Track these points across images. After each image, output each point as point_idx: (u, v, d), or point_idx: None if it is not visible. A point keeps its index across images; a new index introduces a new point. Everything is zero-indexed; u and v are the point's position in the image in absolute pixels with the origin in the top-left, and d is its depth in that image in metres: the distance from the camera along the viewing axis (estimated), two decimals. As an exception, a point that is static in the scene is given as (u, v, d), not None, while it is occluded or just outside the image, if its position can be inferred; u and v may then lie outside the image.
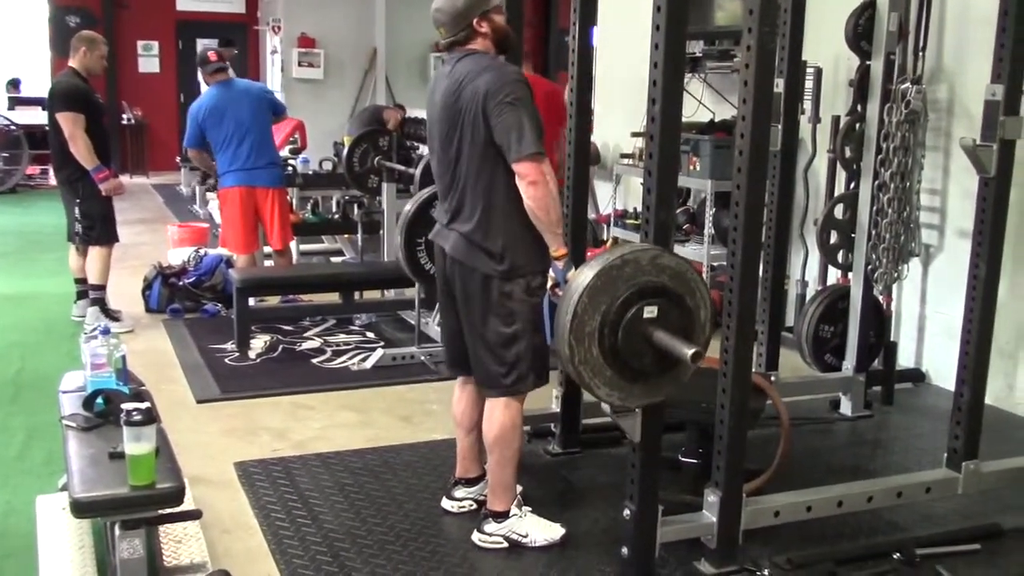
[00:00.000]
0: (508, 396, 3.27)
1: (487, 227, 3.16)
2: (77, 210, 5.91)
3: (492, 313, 3.20)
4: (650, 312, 2.75)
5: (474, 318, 3.25)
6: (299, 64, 13.28)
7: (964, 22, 4.99)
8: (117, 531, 2.74)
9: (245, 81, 6.59)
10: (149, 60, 14.74)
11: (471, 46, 3.19)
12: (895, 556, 3.29)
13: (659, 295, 2.77)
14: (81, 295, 6.19)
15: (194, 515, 3.17)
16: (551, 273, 3.17)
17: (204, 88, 6.55)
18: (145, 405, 2.85)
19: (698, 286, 2.84)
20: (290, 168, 7.80)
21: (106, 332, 3.44)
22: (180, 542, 3.19)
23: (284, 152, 8.32)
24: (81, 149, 5.70)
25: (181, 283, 6.55)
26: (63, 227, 6.20)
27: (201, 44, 14.76)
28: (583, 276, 2.74)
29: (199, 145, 6.20)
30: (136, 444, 2.72)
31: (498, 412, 3.28)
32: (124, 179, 6.29)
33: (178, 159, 12.89)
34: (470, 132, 3.11)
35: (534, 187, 3.04)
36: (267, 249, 6.52)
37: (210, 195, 9.74)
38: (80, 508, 2.73)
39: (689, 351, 2.68)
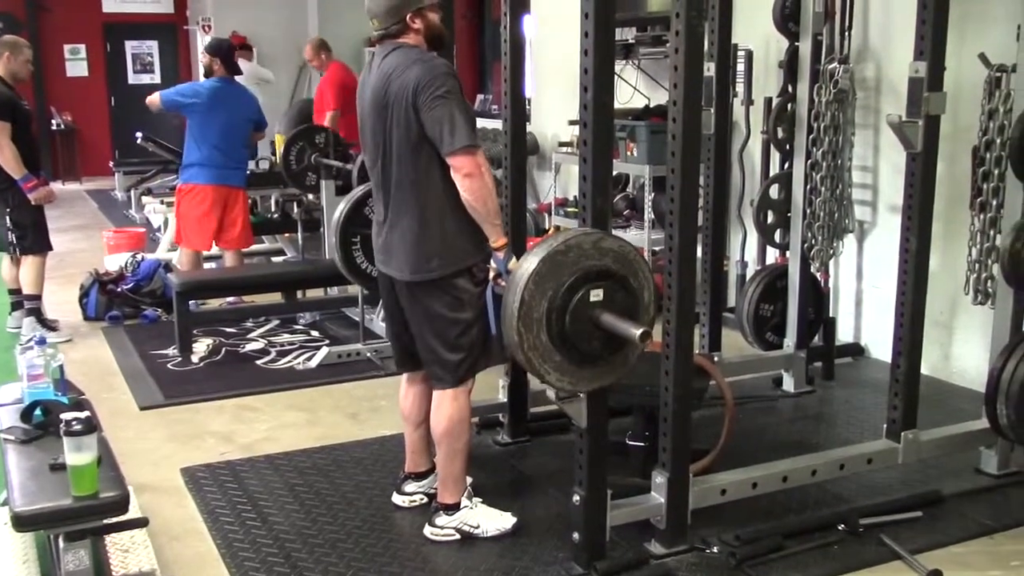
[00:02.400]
0: (458, 387, 3.27)
1: (425, 222, 3.15)
2: (8, 219, 5.77)
3: (443, 308, 3.19)
4: (596, 295, 2.77)
5: (424, 316, 3.23)
6: (232, 63, 13.10)
7: (888, 1, 5.08)
8: (62, 543, 2.70)
9: (242, 86, 6.56)
10: (77, 64, 14.42)
11: (402, 40, 3.18)
12: (840, 527, 3.36)
13: (603, 278, 2.79)
14: (16, 306, 6.06)
15: (140, 523, 3.13)
16: (492, 264, 3.18)
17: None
18: (85, 414, 2.80)
19: (641, 267, 2.87)
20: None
21: (42, 342, 3.38)
22: (128, 551, 3.15)
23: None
24: (8, 159, 5.57)
25: (119, 289, 6.44)
26: None
27: (130, 46, 14.52)
28: (528, 263, 2.75)
29: (175, 109, 6.22)
30: (77, 454, 2.67)
31: (446, 405, 3.29)
32: (56, 186, 6.15)
33: (111, 163, 12.67)
34: (402, 127, 3.10)
35: (470, 179, 3.04)
36: (215, 250, 6.48)
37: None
38: (22, 522, 2.67)
39: (637, 331, 2.71)
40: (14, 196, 5.69)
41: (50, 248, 6.09)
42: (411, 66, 3.08)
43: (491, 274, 3.21)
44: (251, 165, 8.22)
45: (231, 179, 6.25)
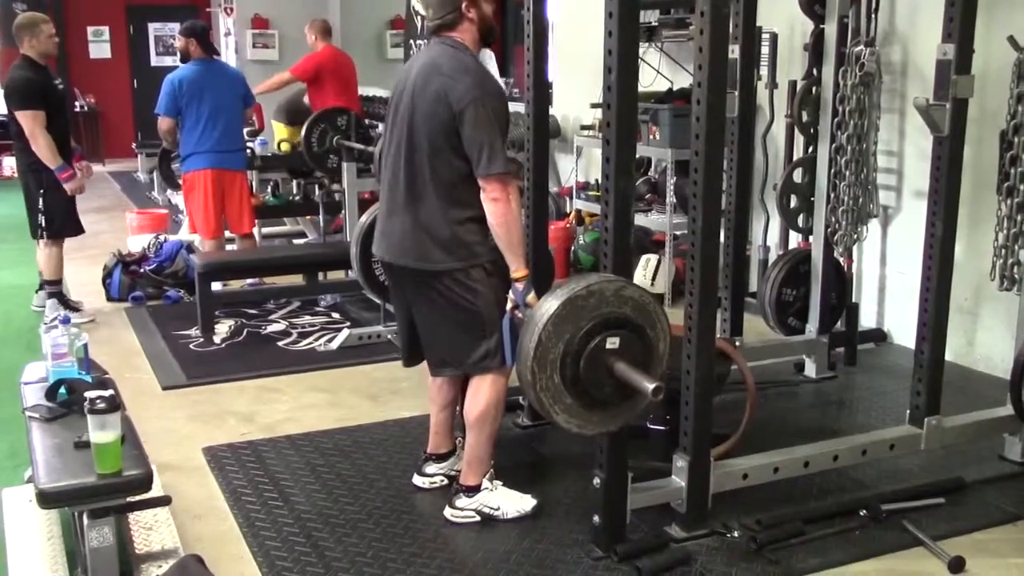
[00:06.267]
0: (496, 372, 3.26)
1: (444, 213, 3.13)
2: (41, 202, 5.75)
3: (455, 297, 3.17)
4: (612, 343, 2.77)
5: (437, 305, 3.22)
6: (254, 46, 13.10)
7: (915, -17, 5.03)
8: (86, 520, 2.72)
9: (225, 64, 6.52)
10: (100, 46, 14.49)
11: (456, 34, 3.15)
12: (862, 513, 3.34)
13: (621, 326, 2.79)
14: (43, 285, 6.09)
15: (163, 501, 3.16)
16: (511, 295, 3.17)
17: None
18: (109, 393, 2.83)
19: (659, 318, 2.86)
20: (249, 150, 7.73)
21: (66, 321, 3.40)
22: (151, 529, 3.17)
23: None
24: (42, 148, 5.55)
25: (142, 270, 6.49)
26: (23, 217, 6.04)
27: (153, 28, 14.55)
28: (548, 304, 2.74)
29: (176, 114, 6.09)
30: (101, 432, 2.69)
31: (485, 389, 3.28)
32: (84, 163, 6.16)
33: (134, 145, 12.73)
34: (436, 125, 3.08)
35: (496, 204, 3.05)
36: (227, 234, 6.47)
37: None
38: (47, 499, 2.70)
39: (650, 386, 2.70)
40: (48, 178, 5.68)
41: (82, 231, 6.10)
42: (465, 74, 3.07)
43: (509, 305, 3.20)
44: (257, 149, 8.26)
45: (228, 162, 6.19)
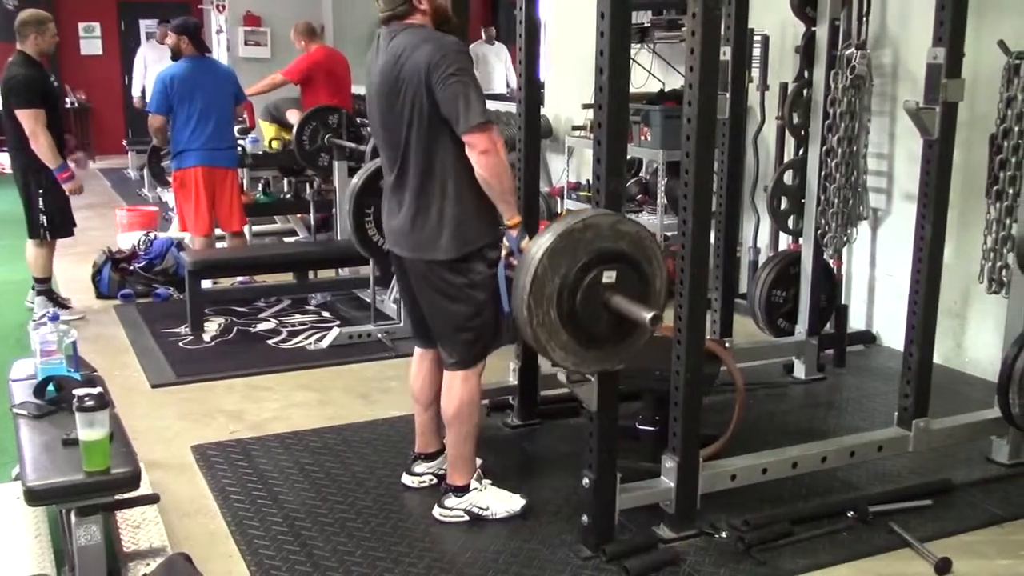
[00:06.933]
0: (469, 369, 3.27)
1: (438, 204, 3.13)
2: (41, 202, 5.70)
3: (455, 289, 3.18)
4: (609, 277, 2.75)
5: (435, 297, 3.23)
6: (245, 43, 13.07)
7: (907, -13, 5.04)
8: (73, 518, 2.71)
9: (217, 61, 6.51)
10: (91, 42, 14.43)
11: (409, 21, 3.15)
12: (849, 514, 3.35)
13: (618, 260, 2.77)
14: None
15: (151, 499, 3.15)
16: (505, 242, 3.18)
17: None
18: (97, 390, 2.82)
19: (655, 253, 2.85)
20: (240, 148, 7.71)
21: (55, 318, 3.40)
22: (139, 527, 3.16)
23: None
24: (43, 147, 5.49)
25: (132, 268, 6.47)
26: (14, 214, 5.97)
27: (144, 24, 14.49)
28: (544, 238, 2.72)
29: (167, 111, 6.05)
30: (89, 430, 2.68)
31: (457, 387, 3.29)
32: (80, 154, 6.15)
33: (125, 142, 12.68)
34: (415, 107, 3.07)
35: (485, 156, 3.03)
36: (218, 231, 6.45)
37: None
38: (34, 496, 2.69)
39: (648, 314, 2.69)
40: (46, 178, 5.64)
41: (71, 233, 6.05)
42: (422, 45, 3.05)
43: (503, 252, 3.20)
44: (248, 146, 8.25)
45: (220, 160, 6.16)
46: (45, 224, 5.76)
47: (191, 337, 5.47)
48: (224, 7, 12.80)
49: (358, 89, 9.36)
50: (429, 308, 3.29)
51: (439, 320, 3.27)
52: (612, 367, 2.93)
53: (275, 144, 7.89)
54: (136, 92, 12.18)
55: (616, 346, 2.87)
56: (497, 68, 11.25)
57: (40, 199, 5.69)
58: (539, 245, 2.72)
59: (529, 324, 2.74)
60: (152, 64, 11.37)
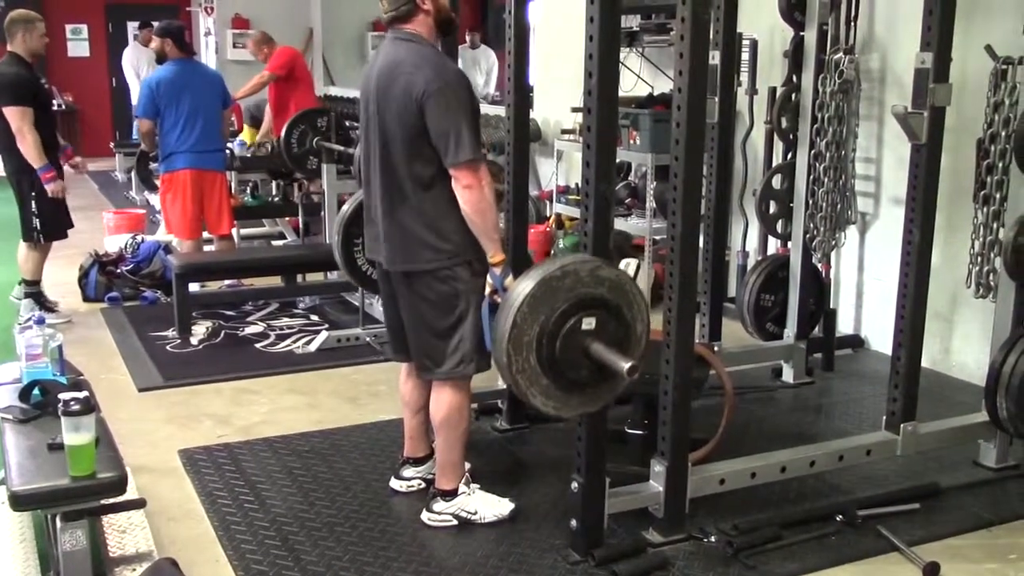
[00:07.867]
0: (453, 379, 3.26)
1: (423, 214, 3.11)
2: (33, 204, 5.66)
3: (438, 297, 3.17)
4: (588, 324, 2.75)
5: (418, 306, 3.21)
6: (234, 46, 13.03)
7: (894, -8, 5.06)
8: (59, 523, 2.70)
9: (203, 64, 6.50)
10: (78, 44, 14.39)
11: (412, 26, 3.13)
12: (838, 518, 3.36)
13: (598, 307, 2.77)
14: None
15: (138, 504, 3.14)
16: (488, 279, 3.17)
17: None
18: (83, 394, 2.80)
19: (636, 298, 2.85)
20: (228, 151, 7.70)
21: (41, 322, 3.38)
22: (125, 532, 3.15)
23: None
24: (29, 147, 5.46)
25: (119, 271, 6.44)
26: (8, 216, 5.89)
27: (132, 26, 14.45)
28: (523, 285, 2.72)
29: (155, 115, 6.02)
30: (75, 434, 2.67)
31: (446, 393, 3.27)
32: (78, 159, 6.12)
33: (112, 145, 12.63)
34: (404, 124, 3.06)
35: (468, 191, 3.02)
36: (205, 235, 6.43)
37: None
38: (19, 501, 2.68)
39: (625, 365, 2.69)
40: (38, 181, 5.59)
41: (67, 234, 6.00)
42: (423, 66, 3.03)
43: (487, 289, 3.19)
44: (236, 149, 8.24)
45: (208, 163, 6.14)
46: (38, 227, 5.72)
47: (178, 340, 5.45)
48: (212, 9, 12.77)
49: (344, 92, 9.37)
50: (410, 318, 3.27)
51: (419, 330, 3.24)
52: (594, 409, 2.92)
53: (260, 149, 7.90)
54: (136, 100, 12.16)
55: (596, 389, 2.87)
56: (479, 74, 11.23)
57: (33, 201, 5.66)
58: (519, 292, 2.71)
59: (509, 370, 2.73)
60: (143, 69, 11.37)
